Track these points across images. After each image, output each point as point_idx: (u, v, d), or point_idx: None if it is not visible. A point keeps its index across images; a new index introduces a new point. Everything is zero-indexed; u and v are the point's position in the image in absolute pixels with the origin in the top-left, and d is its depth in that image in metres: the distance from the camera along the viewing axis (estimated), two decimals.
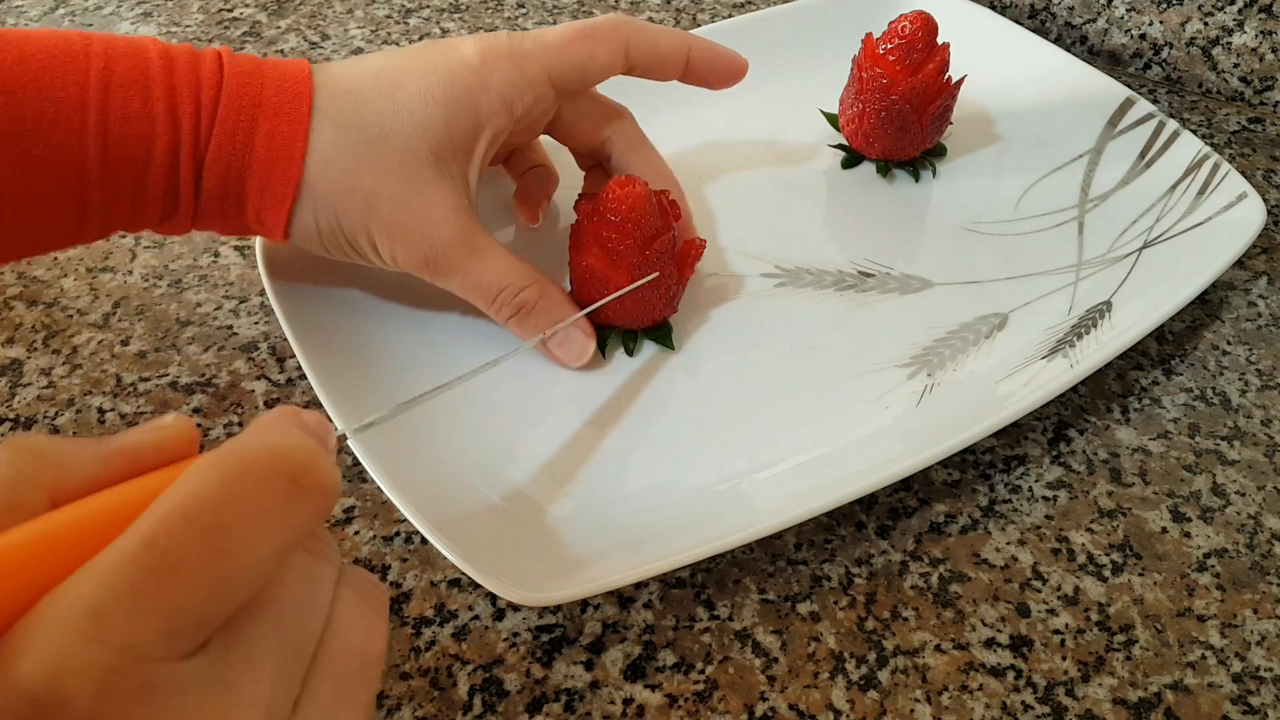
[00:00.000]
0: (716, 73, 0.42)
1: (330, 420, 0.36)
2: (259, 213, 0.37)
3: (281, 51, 0.61)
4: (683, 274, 0.41)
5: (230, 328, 0.45)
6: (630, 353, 0.42)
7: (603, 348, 0.42)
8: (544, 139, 0.45)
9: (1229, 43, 0.56)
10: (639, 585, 0.36)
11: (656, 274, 0.39)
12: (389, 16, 0.64)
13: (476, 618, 0.35)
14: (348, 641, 0.22)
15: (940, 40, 0.47)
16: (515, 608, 0.35)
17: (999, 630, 0.35)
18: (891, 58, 0.47)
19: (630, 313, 0.41)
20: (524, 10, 0.65)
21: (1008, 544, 0.37)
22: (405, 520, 0.36)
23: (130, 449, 0.21)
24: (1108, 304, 0.44)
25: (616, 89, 0.42)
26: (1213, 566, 0.36)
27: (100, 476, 0.21)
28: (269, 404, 0.41)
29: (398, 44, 0.62)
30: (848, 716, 0.32)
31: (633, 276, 0.39)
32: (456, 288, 0.39)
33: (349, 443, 0.36)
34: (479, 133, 0.38)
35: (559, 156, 0.46)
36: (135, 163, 0.34)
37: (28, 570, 0.18)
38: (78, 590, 0.18)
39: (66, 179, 0.34)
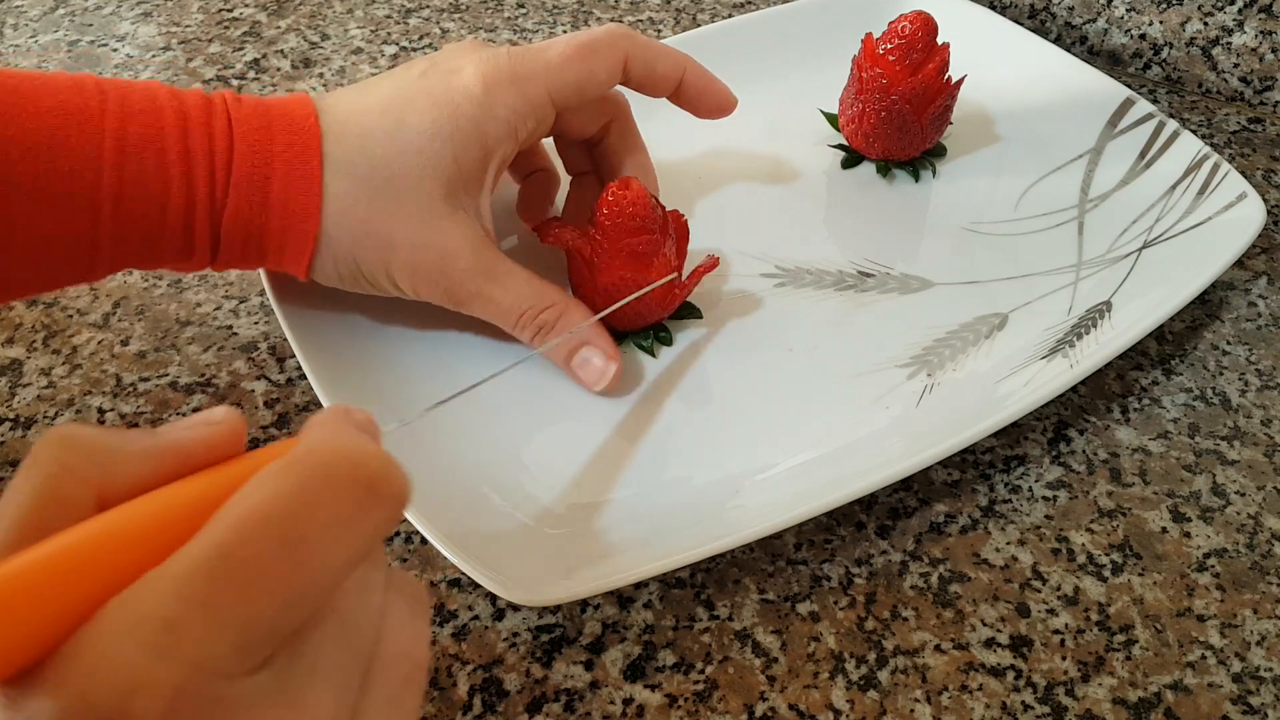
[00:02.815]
0: (705, 101, 0.42)
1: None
2: (280, 263, 0.37)
3: (281, 51, 0.61)
4: (685, 285, 0.42)
5: (230, 328, 0.45)
6: (653, 354, 0.42)
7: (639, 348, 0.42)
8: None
9: (1229, 43, 0.56)
10: (639, 585, 0.36)
11: (675, 275, 0.40)
12: (389, 16, 0.64)
13: (476, 618, 0.35)
14: (399, 648, 0.22)
15: (940, 40, 0.47)
16: (515, 608, 0.35)
17: (999, 630, 0.35)
18: (891, 58, 0.47)
19: (650, 313, 0.41)
20: (524, 10, 0.65)
21: (1008, 544, 0.37)
22: (405, 520, 0.36)
23: (180, 446, 0.21)
24: (1108, 304, 0.44)
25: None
26: (1213, 566, 0.36)
27: (149, 474, 0.20)
28: (269, 404, 0.41)
29: (398, 44, 0.62)
30: (848, 716, 0.32)
31: (661, 271, 0.40)
32: (479, 313, 0.39)
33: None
34: (487, 162, 0.38)
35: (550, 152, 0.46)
36: (149, 219, 0.35)
37: (87, 574, 0.18)
38: (148, 600, 0.17)
39: (79, 233, 0.34)
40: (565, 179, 0.46)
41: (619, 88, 0.43)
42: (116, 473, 0.20)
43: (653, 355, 0.42)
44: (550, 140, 0.44)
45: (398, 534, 0.37)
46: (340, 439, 0.20)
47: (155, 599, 0.17)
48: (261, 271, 0.42)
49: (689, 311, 0.43)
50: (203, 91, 0.36)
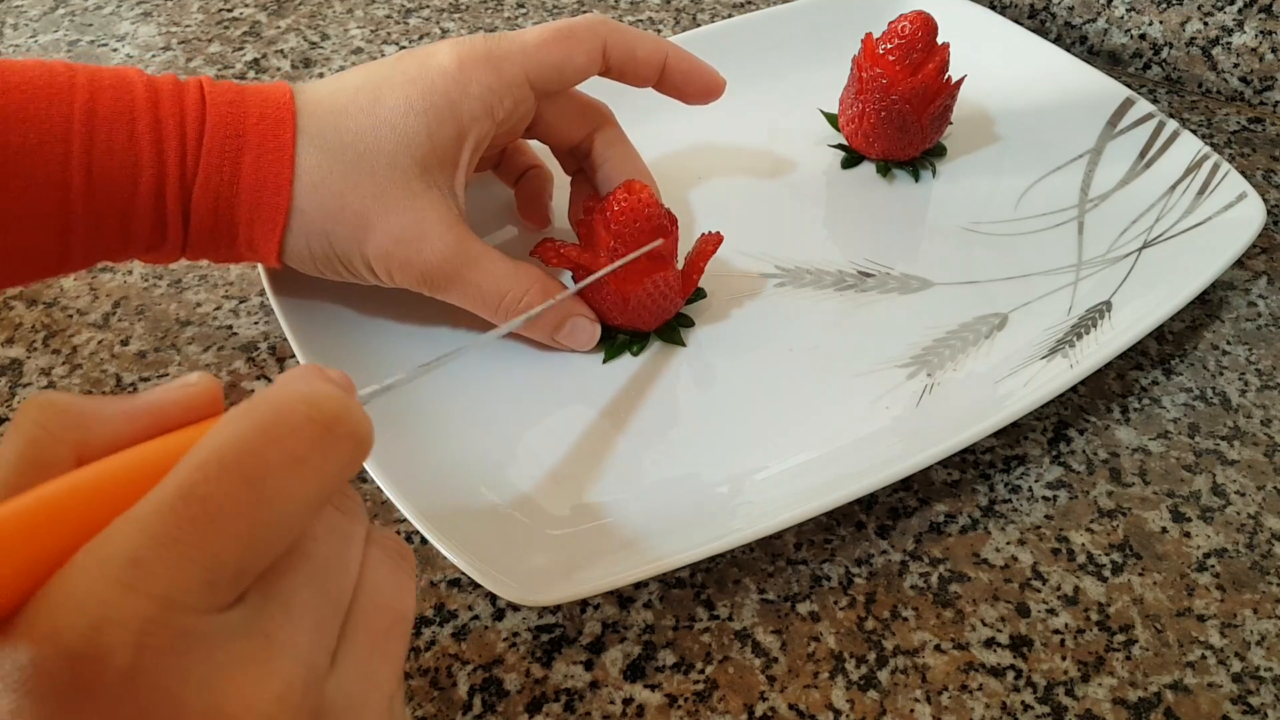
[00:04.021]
0: (692, 84, 0.42)
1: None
2: (250, 241, 0.37)
3: (281, 51, 0.61)
4: (696, 264, 0.42)
5: (230, 328, 0.45)
6: (683, 343, 0.42)
7: (631, 350, 0.42)
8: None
9: (1229, 43, 0.56)
10: (639, 585, 0.36)
11: (660, 240, 0.40)
12: (389, 16, 0.64)
13: (476, 618, 0.35)
14: (379, 598, 0.22)
15: (940, 40, 0.47)
16: (515, 608, 0.35)
17: (999, 630, 0.35)
18: (891, 58, 0.47)
19: (650, 313, 0.41)
20: (524, 10, 0.65)
21: (1008, 544, 0.37)
22: (405, 520, 0.36)
23: (156, 407, 0.21)
24: (1107, 304, 0.44)
25: (614, 89, 0.42)
26: (1213, 566, 0.37)
27: (126, 434, 0.21)
28: None
29: (398, 44, 0.62)
30: (848, 716, 0.32)
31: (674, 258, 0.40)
32: (457, 299, 0.39)
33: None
34: (462, 140, 0.37)
35: (547, 156, 0.46)
36: (120, 194, 0.34)
37: (59, 525, 0.18)
38: (116, 540, 0.18)
39: (50, 210, 0.34)
40: (563, 181, 0.46)
41: (616, 97, 0.43)
42: (94, 434, 0.20)
43: (683, 344, 0.42)
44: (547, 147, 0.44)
45: (397, 534, 0.37)
46: (299, 384, 0.21)
47: (122, 539, 0.18)
48: (261, 271, 0.42)
49: (685, 321, 0.43)
50: (176, 76, 0.36)
